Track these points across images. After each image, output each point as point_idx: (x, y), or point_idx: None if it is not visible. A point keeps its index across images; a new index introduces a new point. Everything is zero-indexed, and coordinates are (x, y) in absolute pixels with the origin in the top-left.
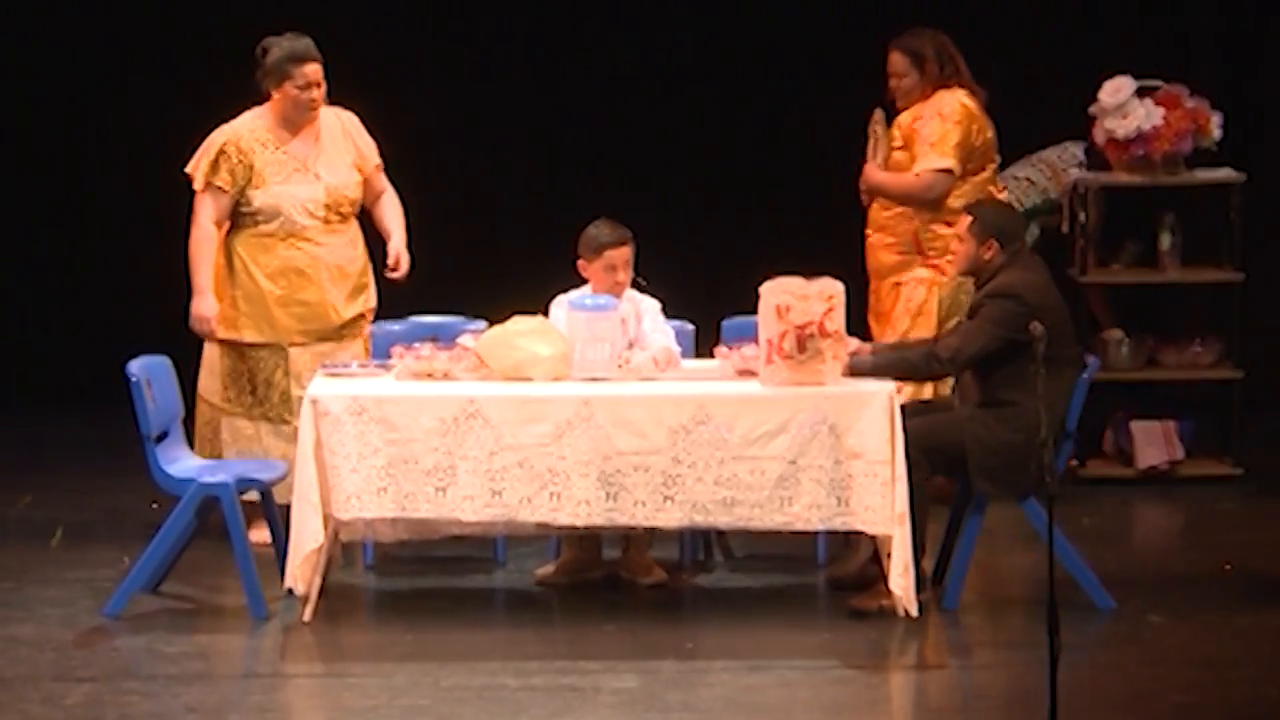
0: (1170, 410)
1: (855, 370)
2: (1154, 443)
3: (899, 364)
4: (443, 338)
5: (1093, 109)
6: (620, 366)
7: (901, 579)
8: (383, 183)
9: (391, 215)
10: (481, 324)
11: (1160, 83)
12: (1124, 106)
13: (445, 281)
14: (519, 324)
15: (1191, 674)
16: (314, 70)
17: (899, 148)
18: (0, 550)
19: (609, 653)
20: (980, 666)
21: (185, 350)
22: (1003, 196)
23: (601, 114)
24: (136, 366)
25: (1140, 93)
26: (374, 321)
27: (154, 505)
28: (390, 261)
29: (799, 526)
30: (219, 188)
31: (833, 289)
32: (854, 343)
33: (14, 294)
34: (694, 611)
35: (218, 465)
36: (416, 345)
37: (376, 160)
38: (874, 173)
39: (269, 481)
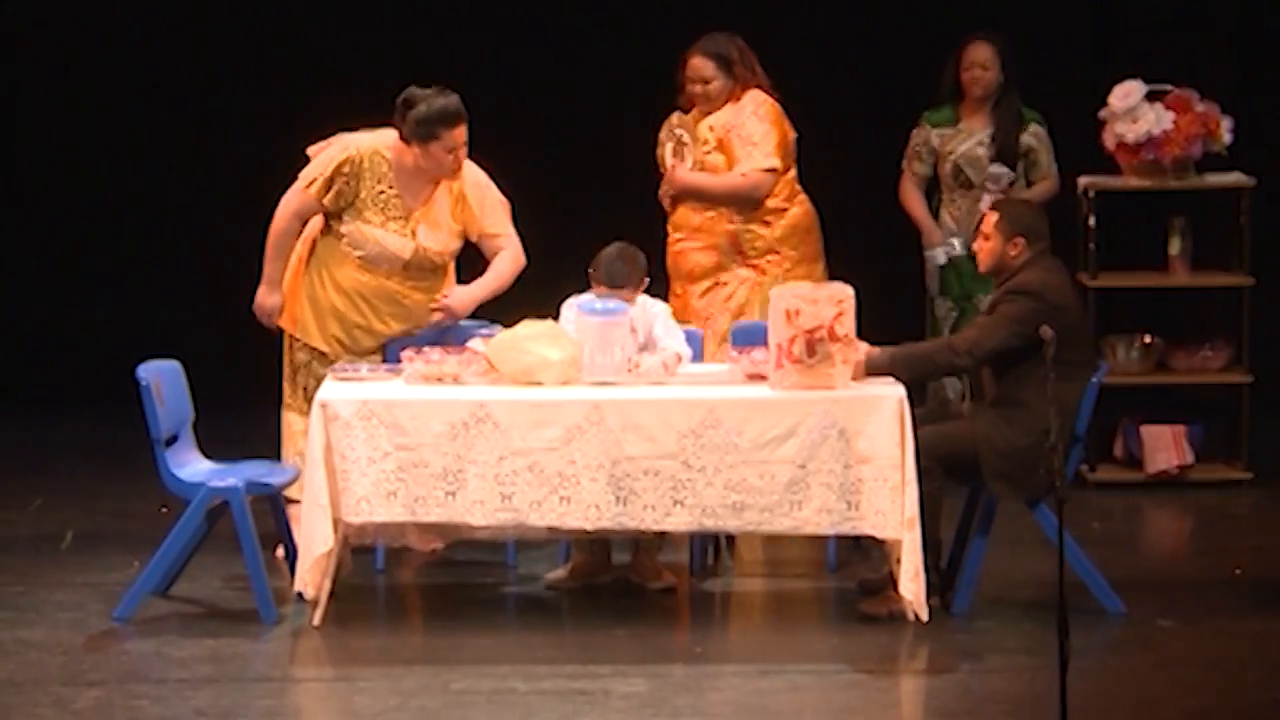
0: (1180, 414)
1: (871, 368)
2: (1164, 447)
3: (915, 359)
4: (454, 341)
5: (1103, 113)
6: (630, 371)
7: (911, 583)
8: (499, 245)
9: (489, 271)
10: (492, 328)
11: (1170, 87)
12: (1134, 111)
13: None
14: (529, 328)
15: (1202, 678)
16: (462, 133)
17: (710, 151)
18: (10, 554)
19: (619, 657)
20: (990, 671)
21: (196, 354)
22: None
23: (616, 116)
24: (146, 370)
25: (1150, 97)
26: None
27: (164, 509)
28: (442, 293)
29: (809, 531)
30: (320, 200)
31: (843, 293)
32: (862, 346)
33: (24, 297)
34: (704, 616)
35: (227, 469)
36: (426, 349)
37: (491, 230)
38: (688, 176)
39: (279, 485)
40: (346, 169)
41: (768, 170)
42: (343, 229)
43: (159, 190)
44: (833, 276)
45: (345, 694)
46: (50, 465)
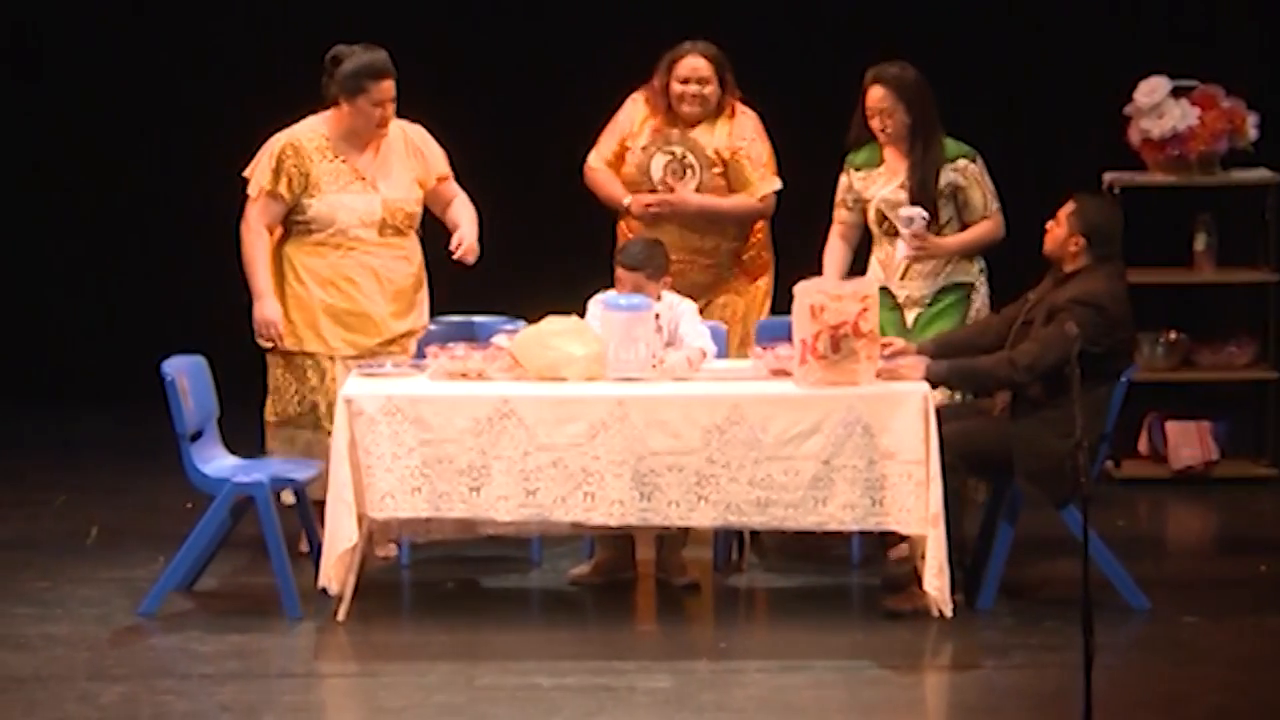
0: (1205, 410)
1: (929, 380)
2: (1189, 443)
3: (974, 374)
4: (478, 337)
5: (1128, 109)
6: (654, 367)
7: (936, 580)
8: (452, 190)
9: (462, 215)
10: (517, 323)
11: (1196, 83)
12: (1159, 107)
13: (481, 281)
14: (554, 324)
15: (1227, 675)
16: (389, 86)
17: (720, 173)
18: (36, 549)
19: (643, 653)
20: (1014, 667)
21: (221, 350)
22: None
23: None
24: (171, 366)
25: (1176, 93)
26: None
27: (189, 505)
28: (454, 243)
29: (833, 527)
30: (276, 194)
31: (867, 289)
32: (898, 342)
33: (50, 293)
34: (728, 612)
35: (252, 464)
36: (451, 345)
37: (441, 171)
38: (698, 199)
39: (304, 481)
40: (288, 153)
41: (777, 192)
42: (309, 213)
43: (185, 185)
44: None
45: (369, 689)
46: (75, 461)
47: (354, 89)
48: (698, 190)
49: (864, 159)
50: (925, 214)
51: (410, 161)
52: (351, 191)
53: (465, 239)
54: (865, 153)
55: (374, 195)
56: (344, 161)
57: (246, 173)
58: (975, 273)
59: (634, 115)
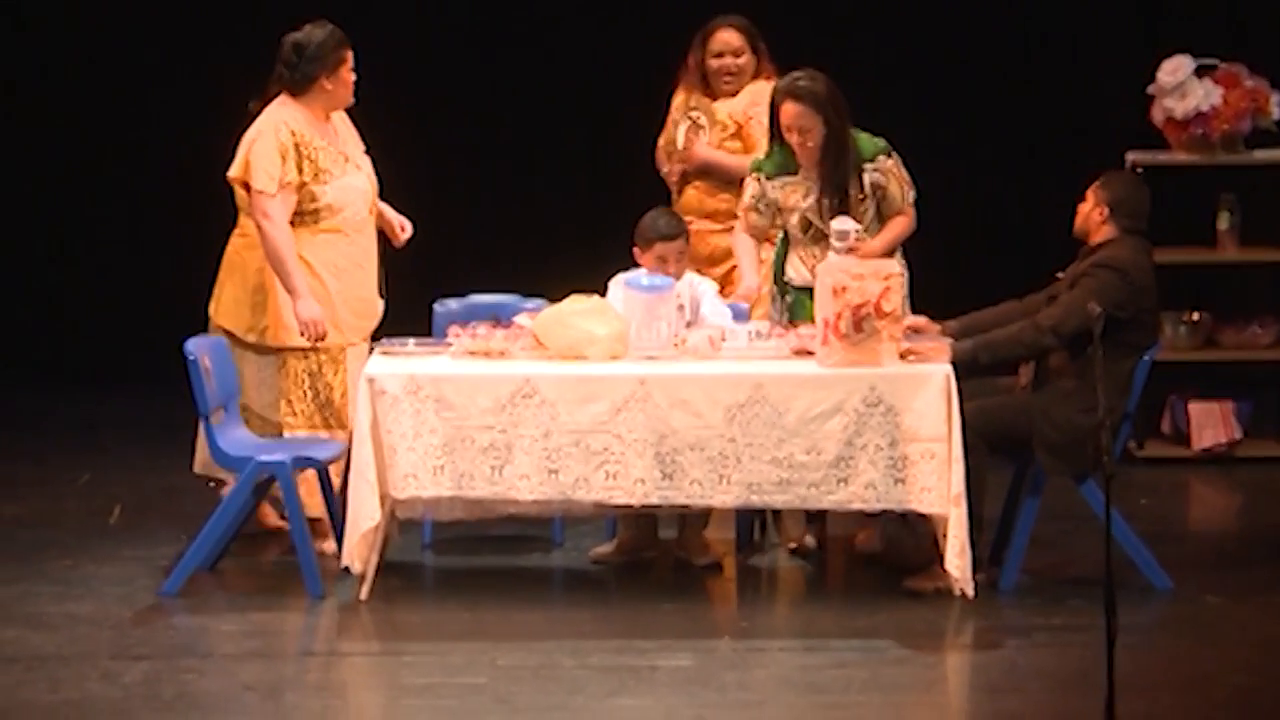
0: (1228, 391)
1: (956, 360)
2: (1212, 423)
3: (999, 344)
4: (501, 317)
5: (1151, 88)
6: (676, 346)
7: (958, 560)
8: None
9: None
10: (539, 303)
11: (1219, 62)
12: (1183, 86)
13: (503, 260)
14: (576, 303)
15: (1250, 655)
16: (351, 53)
17: (728, 137)
18: (59, 529)
19: (665, 632)
20: (1037, 647)
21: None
22: None
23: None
24: (194, 345)
25: (1199, 72)
26: (434, 300)
27: (211, 484)
28: (399, 226)
29: (855, 506)
30: (294, 185)
31: (889, 269)
32: (919, 319)
33: (72, 274)
34: (750, 591)
35: (275, 444)
36: (473, 324)
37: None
38: (707, 151)
39: (325, 460)
40: (293, 141)
41: None
42: (323, 201)
43: (207, 166)
44: None
45: (392, 669)
46: (98, 440)
47: (335, 62)
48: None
49: (774, 166)
50: (858, 226)
51: (355, 136)
52: (349, 174)
53: (401, 220)
54: (774, 159)
55: (360, 174)
56: (325, 146)
57: (236, 174)
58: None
59: (676, 105)
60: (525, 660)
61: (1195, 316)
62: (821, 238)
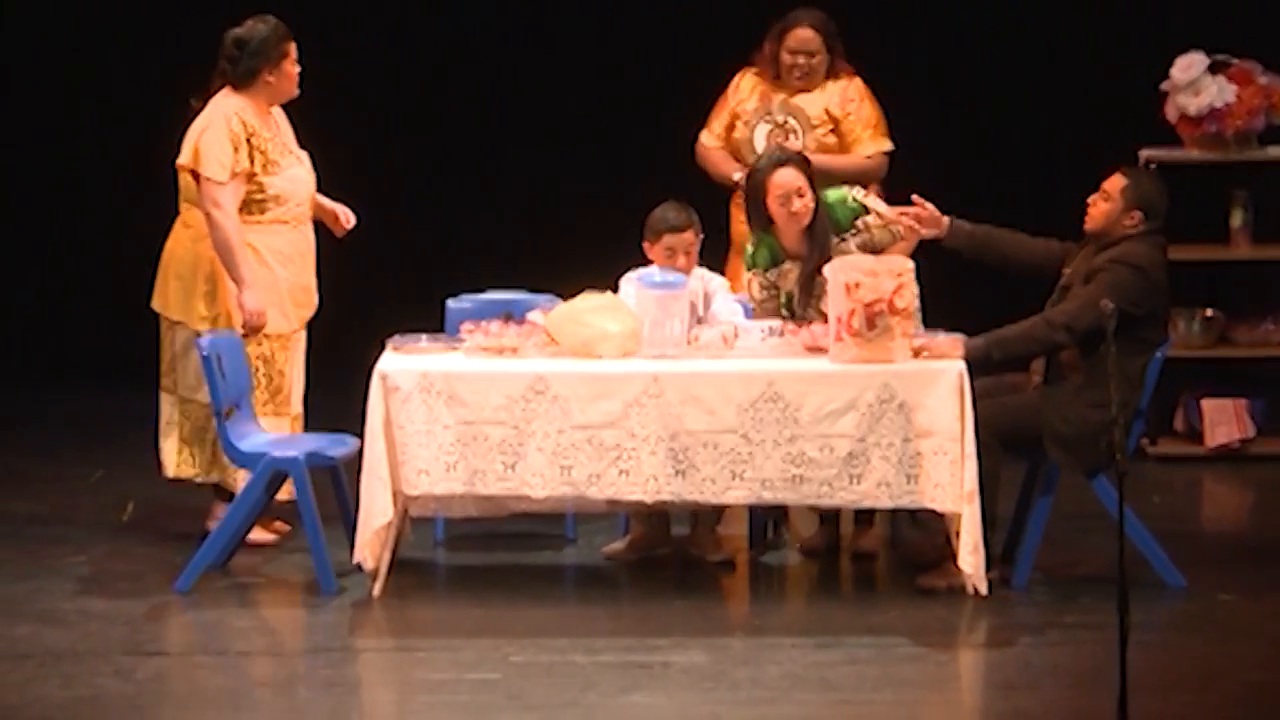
0: (1241, 388)
1: (969, 358)
2: (1225, 420)
3: (1013, 341)
4: (514, 313)
5: (1165, 85)
6: (689, 344)
7: (971, 557)
8: None
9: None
10: (552, 299)
11: (1233, 58)
12: (1196, 83)
13: (516, 257)
14: (589, 300)
15: (1263, 652)
16: (295, 46)
17: (827, 133)
18: (72, 525)
19: (677, 629)
20: (1050, 644)
21: None
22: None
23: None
24: (207, 342)
25: (1213, 69)
26: (447, 296)
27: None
28: (344, 217)
29: (868, 504)
30: (244, 174)
31: (902, 266)
32: (960, 336)
33: (83, 270)
34: (762, 588)
35: (288, 440)
36: (486, 321)
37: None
38: (819, 158)
39: (339, 457)
40: (244, 130)
41: (887, 153)
42: (270, 191)
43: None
44: None
45: (404, 665)
46: (111, 436)
47: (278, 55)
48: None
49: (764, 259)
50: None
51: (290, 130)
52: (294, 166)
53: (344, 211)
54: (764, 254)
55: (303, 167)
56: (272, 138)
57: (185, 161)
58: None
59: (743, 86)
60: (538, 657)
61: (1208, 313)
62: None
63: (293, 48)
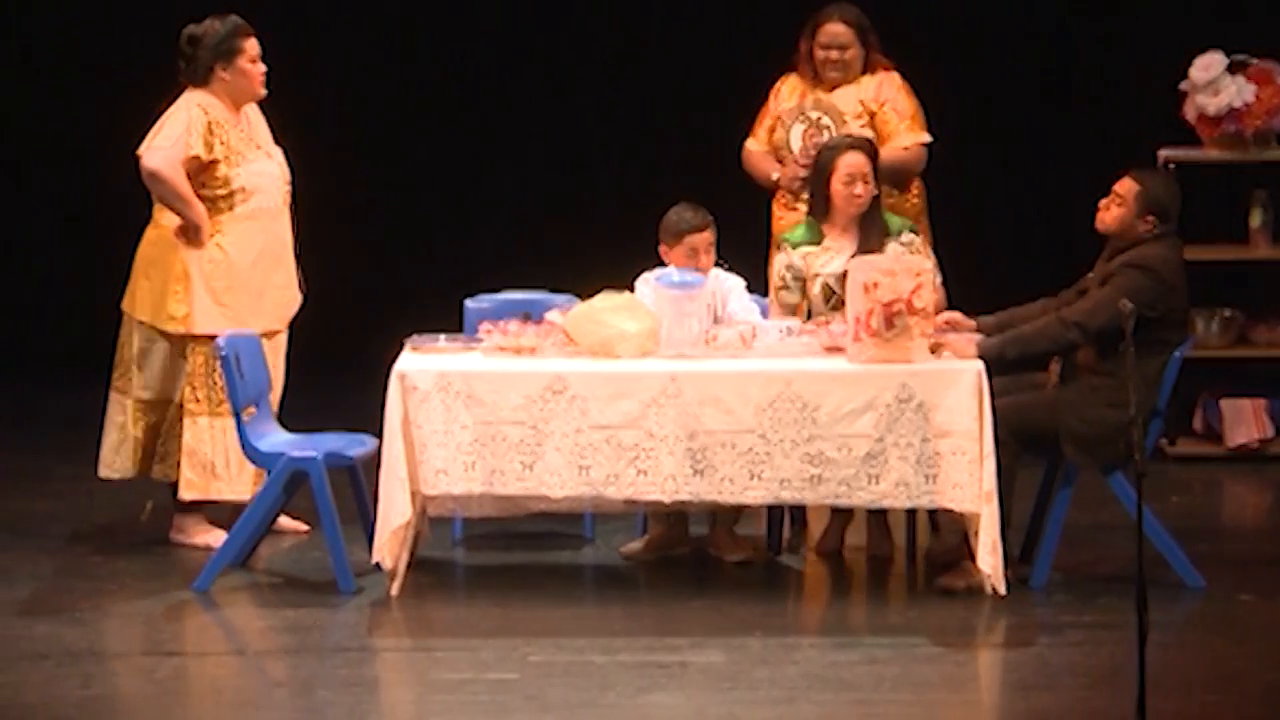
0: (1261, 388)
1: (983, 357)
2: (1244, 420)
3: (1027, 340)
4: (532, 313)
5: (1183, 85)
6: (707, 343)
7: (989, 557)
8: None
9: None
10: (570, 299)
11: (1252, 58)
12: (1215, 83)
13: (535, 257)
14: (607, 300)
15: None
16: (256, 43)
17: (864, 125)
18: (90, 524)
19: (696, 629)
20: (1068, 645)
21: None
22: None
23: (693, 90)
24: (225, 341)
25: (1232, 68)
26: (466, 296)
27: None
28: None
29: (886, 504)
30: (199, 161)
31: (920, 266)
32: (954, 315)
33: (101, 269)
34: (780, 588)
35: (306, 440)
36: (504, 321)
37: None
38: None
39: (358, 457)
40: (196, 115)
41: (925, 145)
42: (237, 183)
43: None
44: None
45: (422, 665)
46: None
47: (230, 51)
48: None
49: (801, 236)
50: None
51: (267, 130)
52: (261, 159)
53: None
54: (801, 230)
55: (272, 161)
56: (241, 133)
57: (143, 150)
58: (929, 265)
59: (784, 91)
60: (556, 656)
61: (1227, 314)
62: (841, 305)
63: (251, 45)
